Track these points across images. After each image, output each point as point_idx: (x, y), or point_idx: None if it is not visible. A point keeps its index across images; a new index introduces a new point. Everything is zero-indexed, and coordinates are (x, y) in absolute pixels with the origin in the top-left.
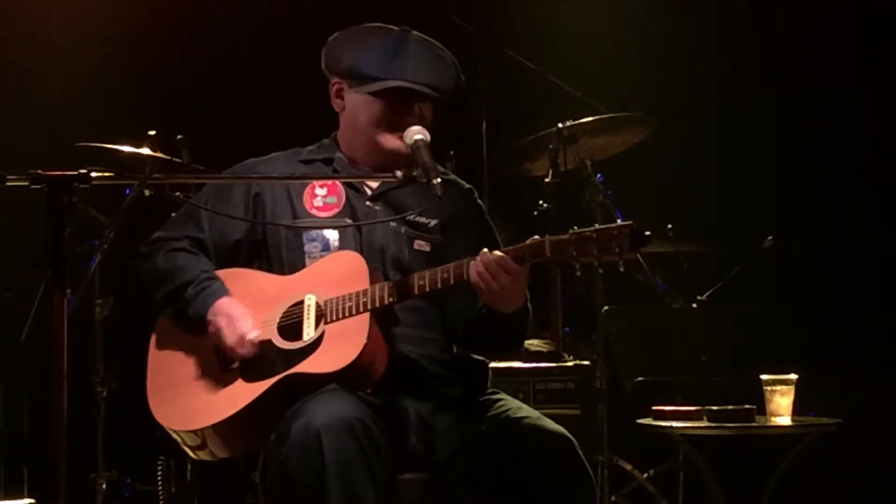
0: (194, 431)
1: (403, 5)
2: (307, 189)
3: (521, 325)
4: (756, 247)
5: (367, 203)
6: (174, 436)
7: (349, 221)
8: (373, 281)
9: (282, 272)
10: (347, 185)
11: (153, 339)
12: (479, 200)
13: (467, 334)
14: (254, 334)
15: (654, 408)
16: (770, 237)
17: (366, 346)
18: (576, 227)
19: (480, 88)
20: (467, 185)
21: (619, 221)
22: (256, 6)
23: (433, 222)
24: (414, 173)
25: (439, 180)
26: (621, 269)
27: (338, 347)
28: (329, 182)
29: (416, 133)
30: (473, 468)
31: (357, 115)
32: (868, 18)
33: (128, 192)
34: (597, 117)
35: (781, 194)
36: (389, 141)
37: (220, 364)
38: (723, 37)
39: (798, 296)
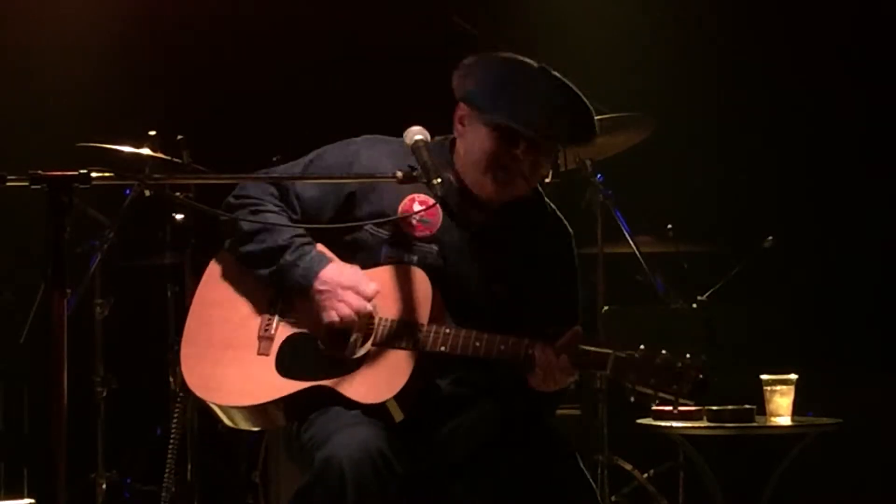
0: (217, 405)
1: (404, 6)
2: (405, 201)
3: (555, 401)
4: (756, 247)
5: (463, 238)
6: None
7: (435, 248)
8: (433, 313)
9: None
10: (447, 212)
11: (206, 279)
12: (572, 246)
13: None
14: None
15: (654, 408)
16: (770, 237)
17: (402, 389)
18: (643, 347)
19: None
20: (569, 231)
21: (688, 356)
22: (256, 7)
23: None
24: (414, 173)
25: (439, 180)
26: (675, 412)
27: (376, 379)
28: (430, 201)
29: (417, 133)
30: (481, 479)
31: (469, 145)
32: (868, 18)
33: (128, 192)
34: (597, 117)
35: (781, 194)
36: (486, 184)
37: (261, 339)
38: (723, 37)
39: (798, 296)
